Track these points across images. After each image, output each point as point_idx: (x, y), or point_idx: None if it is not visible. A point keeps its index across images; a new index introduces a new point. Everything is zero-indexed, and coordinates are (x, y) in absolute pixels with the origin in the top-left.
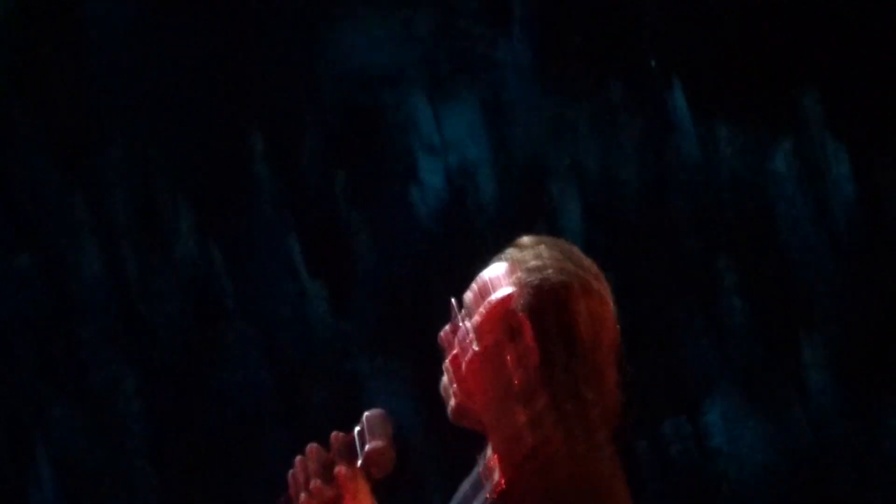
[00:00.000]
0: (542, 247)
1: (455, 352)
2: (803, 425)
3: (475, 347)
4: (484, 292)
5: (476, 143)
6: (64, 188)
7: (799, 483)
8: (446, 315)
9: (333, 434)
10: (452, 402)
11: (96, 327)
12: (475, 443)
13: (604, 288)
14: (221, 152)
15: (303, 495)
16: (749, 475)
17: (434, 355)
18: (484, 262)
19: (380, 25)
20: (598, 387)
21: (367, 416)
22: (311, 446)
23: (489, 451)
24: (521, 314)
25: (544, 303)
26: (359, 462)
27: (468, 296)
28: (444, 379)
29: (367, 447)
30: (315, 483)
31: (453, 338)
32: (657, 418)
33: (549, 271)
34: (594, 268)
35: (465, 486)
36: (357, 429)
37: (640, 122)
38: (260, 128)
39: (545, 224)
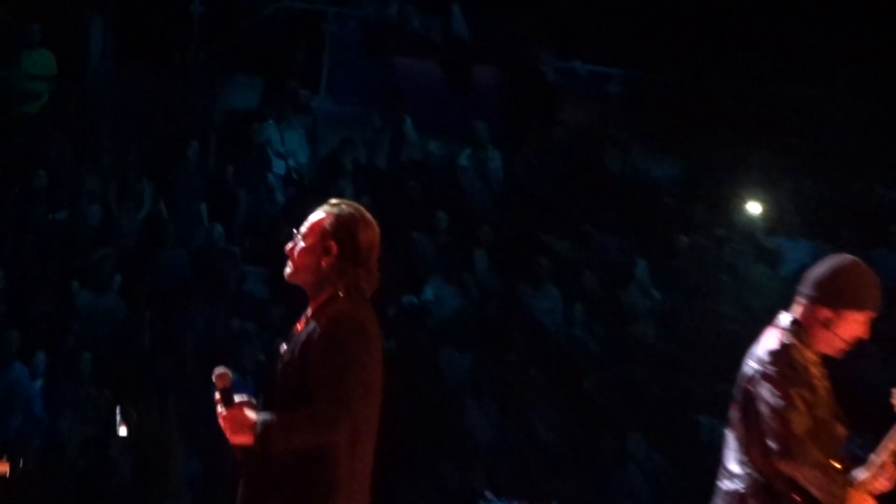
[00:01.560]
0: (343, 203)
1: (292, 247)
2: (475, 289)
3: (302, 244)
4: (311, 222)
5: (302, 152)
6: (81, 172)
7: (471, 320)
8: (290, 239)
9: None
10: (288, 270)
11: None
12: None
13: (373, 222)
14: (170, 152)
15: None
16: (445, 314)
17: (282, 263)
18: (308, 214)
19: (248, 86)
20: (366, 270)
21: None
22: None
23: (309, 309)
24: (329, 228)
25: (341, 223)
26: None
27: (304, 228)
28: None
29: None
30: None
31: (293, 248)
32: (397, 289)
33: (345, 210)
34: (367, 214)
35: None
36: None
37: (389, 140)
38: (194, 138)
39: (339, 195)
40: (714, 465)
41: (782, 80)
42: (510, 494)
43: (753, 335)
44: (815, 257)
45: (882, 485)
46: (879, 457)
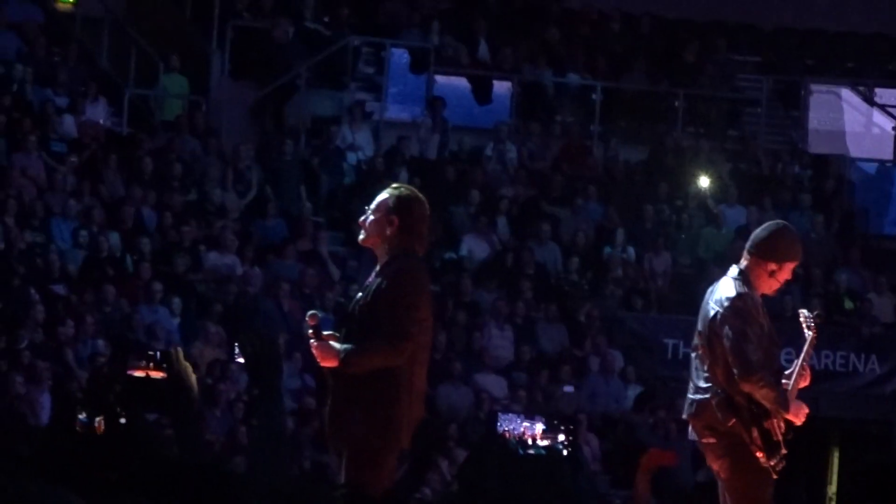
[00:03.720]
0: (402, 186)
1: (364, 219)
2: (497, 245)
3: (371, 217)
4: (378, 201)
5: (369, 147)
6: (206, 163)
7: (495, 268)
8: (362, 213)
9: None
10: (361, 236)
11: None
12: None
13: (424, 200)
14: (272, 147)
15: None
16: (476, 264)
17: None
18: (373, 194)
19: (329, 98)
20: (419, 236)
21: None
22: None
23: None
24: (392, 205)
25: (401, 202)
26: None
27: (373, 205)
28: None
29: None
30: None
31: (365, 220)
32: (441, 246)
33: (404, 192)
34: (420, 194)
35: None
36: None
37: (434, 137)
38: (289, 136)
39: (396, 180)
40: (675, 375)
41: (718, 88)
42: (516, 410)
43: (703, 278)
44: (748, 219)
45: (804, 383)
46: (799, 364)
